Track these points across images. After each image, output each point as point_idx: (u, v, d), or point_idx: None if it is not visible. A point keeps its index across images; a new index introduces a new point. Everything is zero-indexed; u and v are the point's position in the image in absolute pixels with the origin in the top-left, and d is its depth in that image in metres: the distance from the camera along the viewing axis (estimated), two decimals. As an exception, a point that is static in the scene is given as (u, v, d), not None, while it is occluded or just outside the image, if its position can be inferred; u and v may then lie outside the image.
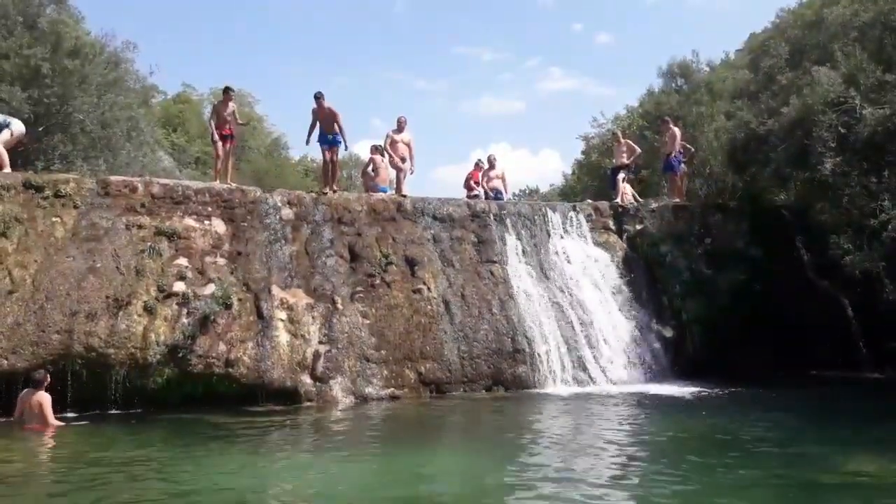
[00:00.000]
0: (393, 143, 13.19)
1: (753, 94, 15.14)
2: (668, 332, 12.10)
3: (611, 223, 13.86)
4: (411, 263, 11.50)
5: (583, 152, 27.62)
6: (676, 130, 14.89)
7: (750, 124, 13.40)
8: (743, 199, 13.87)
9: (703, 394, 10.64)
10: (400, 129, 13.35)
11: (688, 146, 15.34)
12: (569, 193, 25.53)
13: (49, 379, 8.31)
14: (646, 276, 13.10)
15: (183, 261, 10.15)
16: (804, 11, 15.62)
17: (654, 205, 14.13)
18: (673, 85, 22.26)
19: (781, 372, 11.62)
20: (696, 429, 8.13)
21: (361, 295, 10.86)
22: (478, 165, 14.82)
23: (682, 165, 15.10)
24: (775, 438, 7.46)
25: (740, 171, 13.93)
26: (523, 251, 12.69)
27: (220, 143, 12.15)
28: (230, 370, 9.59)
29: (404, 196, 12.51)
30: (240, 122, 13.16)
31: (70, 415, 8.65)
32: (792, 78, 13.27)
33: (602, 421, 8.83)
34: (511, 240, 12.68)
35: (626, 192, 15.17)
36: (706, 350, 12.21)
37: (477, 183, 14.49)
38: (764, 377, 11.02)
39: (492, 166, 14.80)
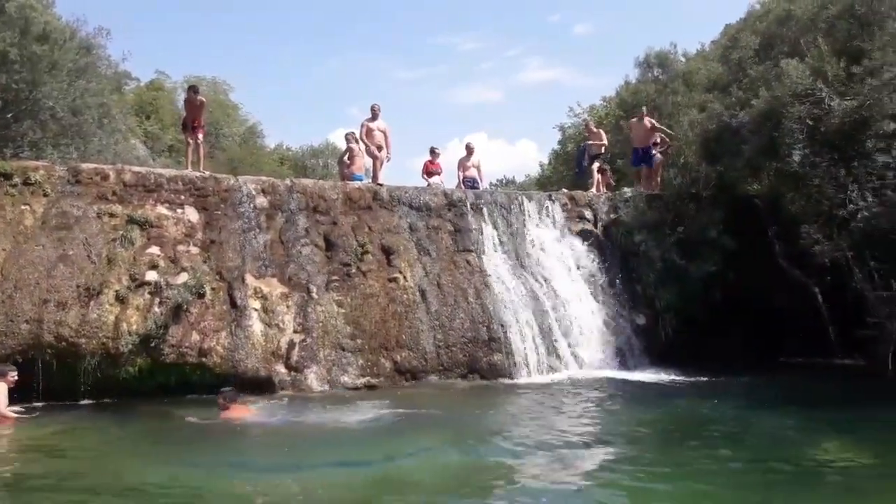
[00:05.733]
0: (368, 131, 13.14)
1: (725, 85, 15.27)
2: (642, 320, 12.24)
3: (586, 212, 13.95)
4: (387, 252, 11.50)
5: (559, 142, 27.79)
6: (647, 122, 14.99)
7: (722, 116, 13.51)
8: (716, 190, 14.00)
9: (675, 381, 10.81)
10: (374, 116, 13.29)
11: (669, 133, 15.44)
12: (545, 183, 25.63)
13: (14, 376, 8.13)
14: (620, 265, 13.23)
15: (155, 249, 10.06)
16: (774, 5, 15.77)
17: (628, 194, 14.26)
18: (650, 75, 22.35)
19: (753, 359, 11.80)
20: (668, 415, 8.26)
21: (337, 284, 10.85)
22: (432, 153, 14.71)
23: (658, 156, 15.24)
24: (746, 424, 7.62)
25: (713, 161, 14.05)
26: (499, 240, 12.74)
27: (191, 133, 12.13)
28: (203, 360, 9.56)
29: (380, 185, 12.49)
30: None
31: (39, 405, 8.56)
32: (762, 70, 13.39)
33: (575, 408, 8.93)
34: (487, 229, 12.72)
35: (601, 181, 15.32)
36: (679, 337, 12.37)
37: (430, 174, 14.35)
38: (736, 364, 11.19)
39: (468, 154, 14.76)
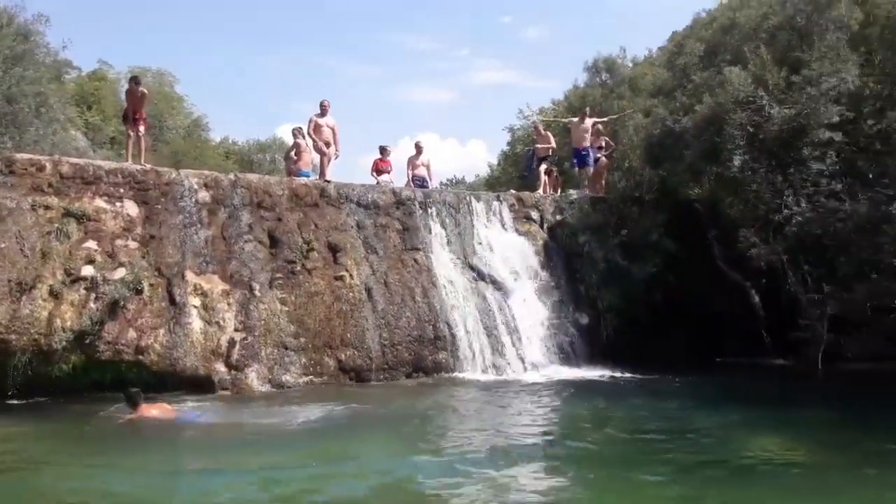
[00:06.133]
0: (317, 127, 12.98)
1: (670, 91, 15.62)
2: (585, 320, 12.43)
3: (533, 213, 14.08)
4: (334, 250, 11.40)
5: (508, 144, 27.98)
6: (588, 123, 15.16)
7: (666, 121, 13.83)
8: (658, 193, 14.30)
9: (617, 379, 11.01)
10: (324, 112, 13.14)
11: (609, 142, 15.73)
12: (494, 184, 25.79)
13: None
14: (564, 266, 13.40)
15: (92, 244, 9.77)
16: (719, 13, 16.20)
17: (573, 196, 14.46)
18: (598, 79, 22.72)
19: (692, 359, 12.09)
20: (608, 413, 8.41)
21: (281, 281, 10.70)
22: (382, 151, 14.65)
23: (603, 159, 15.47)
24: (683, 421, 7.81)
25: (656, 165, 14.35)
26: (447, 239, 12.76)
27: (132, 125, 11.83)
28: (140, 357, 9.34)
29: (328, 181, 12.37)
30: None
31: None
32: (706, 77, 13.74)
33: (517, 406, 9.03)
34: (436, 228, 12.72)
35: (548, 183, 15.48)
36: (620, 337, 12.59)
37: (379, 172, 14.28)
38: (675, 364, 11.44)
39: (418, 153, 14.74)
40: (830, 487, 5.25)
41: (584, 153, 15.13)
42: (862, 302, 11.40)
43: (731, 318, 13.00)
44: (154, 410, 7.79)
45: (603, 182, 15.56)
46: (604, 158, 15.48)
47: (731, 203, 12.95)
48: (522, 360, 11.79)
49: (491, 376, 11.26)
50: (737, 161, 12.13)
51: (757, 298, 13.17)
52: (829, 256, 12.00)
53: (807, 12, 13.16)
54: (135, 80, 12.43)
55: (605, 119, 16.00)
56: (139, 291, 9.52)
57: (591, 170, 15.18)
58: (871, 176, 12.11)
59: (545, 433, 7.15)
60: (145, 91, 12.33)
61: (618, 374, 11.31)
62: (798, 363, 12.51)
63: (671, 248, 13.02)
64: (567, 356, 12.25)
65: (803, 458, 6.28)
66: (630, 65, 22.46)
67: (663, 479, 5.37)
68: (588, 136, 15.05)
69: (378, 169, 14.33)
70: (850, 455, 6.23)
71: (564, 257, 13.49)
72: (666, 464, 5.81)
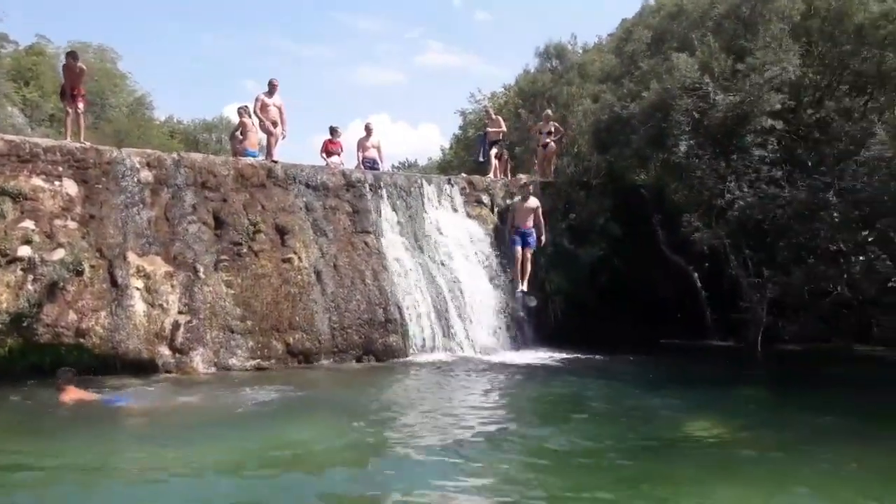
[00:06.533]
0: (264, 106, 12.70)
1: (618, 77, 15.81)
2: (533, 303, 12.56)
3: (483, 197, 14.11)
4: (281, 232, 11.23)
5: (460, 127, 28.02)
6: (532, 203, 12.36)
7: (614, 107, 14.00)
8: (606, 179, 14.52)
9: (563, 361, 11.17)
10: (272, 91, 12.85)
11: (559, 127, 15.85)
12: (446, 168, 25.83)
13: None
14: (514, 249, 13.47)
15: (29, 223, 9.42)
16: (666, 1, 16.43)
17: (524, 181, 14.53)
18: (548, 65, 22.86)
19: (637, 340, 12.35)
20: (553, 394, 8.52)
21: (227, 264, 10.51)
22: (332, 132, 14.45)
23: (552, 144, 15.59)
24: (628, 402, 7.96)
25: (604, 151, 14.55)
26: (398, 222, 12.70)
27: (70, 102, 11.43)
28: (81, 340, 9.07)
29: (275, 162, 12.16)
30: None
31: None
32: (653, 64, 13.94)
33: (466, 387, 9.08)
34: (386, 211, 12.64)
35: (499, 167, 15.53)
36: (568, 320, 12.77)
37: (329, 153, 14.10)
38: (621, 345, 11.66)
39: (368, 135, 14.57)
40: (770, 463, 5.42)
41: (527, 235, 12.31)
42: (799, 286, 11.82)
43: (673, 301, 13.32)
44: (79, 394, 7.57)
45: (552, 167, 15.69)
46: (553, 144, 15.60)
47: (676, 188, 13.23)
48: (472, 342, 11.86)
49: (441, 357, 11.29)
50: (682, 147, 12.37)
51: (700, 282, 13.51)
52: (769, 241, 12.40)
53: (751, 2, 13.44)
54: (72, 55, 11.99)
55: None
56: (79, 273, 9.24)
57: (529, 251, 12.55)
58: (809, 164, 12.53)
59: (492, 415, 7.21)
60: (83, 66, 11.92)
61: (565, 357, 11.48)
62: (738, 344, 12.92)
63: (617, 233, 13.25)
64: (516, 339, 12.37)
65: (740, 435, 6.47)
66: (580, 51, 22.65)
67: (606, 460, 5.47)
68: (531, 218, 12.34)
69: (328, 150, 14.12)
70: (788, 433, 6.46)
71: (514, 241, 13.56)
72: (609, 444, 5.90)
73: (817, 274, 11.77)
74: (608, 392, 8.51)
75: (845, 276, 11.70)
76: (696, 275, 13.43)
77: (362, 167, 13.80)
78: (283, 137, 12.95)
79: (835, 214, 11.42)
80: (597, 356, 11.29)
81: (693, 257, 13.17)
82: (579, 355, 11.43)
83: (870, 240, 11.28)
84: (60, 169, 10.07)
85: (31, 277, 9.01)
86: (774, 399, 8.65)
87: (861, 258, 11.41)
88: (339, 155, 14.19)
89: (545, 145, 15.47)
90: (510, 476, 5.04)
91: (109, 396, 7.79)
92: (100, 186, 10.19)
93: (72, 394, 7.49)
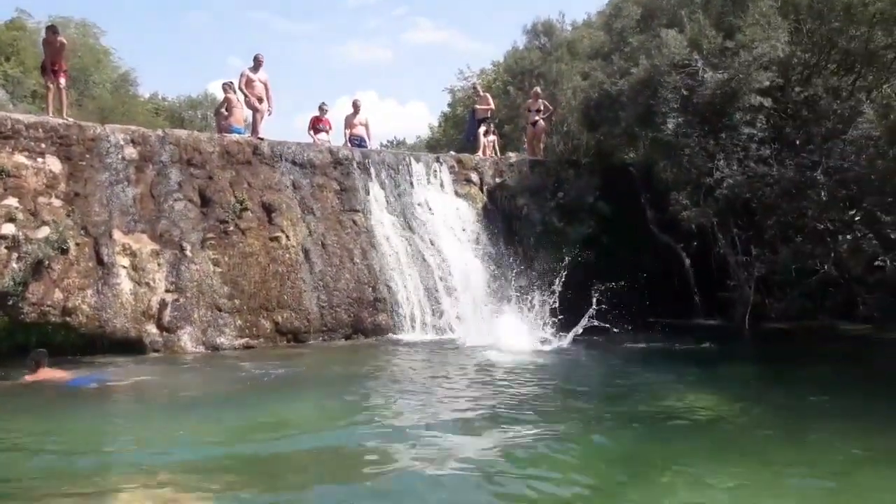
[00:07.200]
0: (249, 82, 12.52)
1: (607, 54, 15.69)
2: (522, 281, 12.53)
3: (472, 175, 14.05)
4: (269, 210, 11.16)
5: (449, 105, 27.85)
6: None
7: (603, 84, 13.91)
8: (595, 157, 14.50)
9: (550, 340, 11.17)
10: (257, 67, 12.67)
11: (548, 105, 15.77)
12: (434, 146, 25.69)
13: None
14: (503, 227, 13.47)
15: (12, 201, 9.31)
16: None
17: (513, 159, 14.50)
18: (536, 43, 22.67)
19: (625, 319, 12.38)
20: (543, 373, 8.53)
21: (213, 242, 10.43)
22: (321, 108, 14.29)
23: (541, 122, 15.53)
24: (618, 379, 7.98)
25: (593, 129, 14.50)
26: (387, 200, 12.64)
27: (51, 77, 11.22)
28: (68, 319, 9.02)
29: (261, 139, 12.03)
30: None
31: None
32: (642, 40, 13.83)
33: (456, 365, 9.07)
34: (375, 189, 12.57)
35: (488, 145, 15.46)
36: (557, 298, 12.76)
37: (317, 130, 13.92)
38: (609, 324, 11.68)
39: (356, 112, 14.42)
40: (758, 439, 5.46)
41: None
42: (786, 264, 11.87)
43: (661, 279, 13.35)
44: (53, 373, 7.50)
45: (541, 145, 15.64)
46: (542, 122, 15.53)
47: (665, 167, 13.18)
48: (461, 321, 11.85)
49: (430, 336, 11.30)
50: (671, 124, 12.30)
51: (688, 260, 13.55)
52: (757, 219, 12.42)
53: (740, -21, 13.32)
54: (52, 30, 11.74)
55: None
56: (65, 251, 9.15)
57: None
58: (797, 142, 12.52)
59: (482, 393, 7.21)
60: (64, 41, 11.68)
61: (552, 335, 11.48)
62: (726, 323, 12.98)
63: (606, 211, 13.24)
64: (504, 317, 12.37)
65: (727, 412, 6.51)
66: (569, 29, 22.48)
67: (599, 438, 5.48)
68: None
69: (315, 127, 13.96)
70: (775, 410, 6.50)
71: (503, 219, 13.56)
72: (601, 422, 5.92)
73: (804, 252, 11.83)
74: (598, 370, 8.56)
75: (832, 254, 11.76)
76: (684, 253, 13.47)
77: (349, 145, 13.69)
78: (269, 113, 12.83)
79: (822, 193, 11.45)
80: (585, 334, 11.29)
81: (681, 236, 13.19)
82: (567, 333, 11.42)
83: (856, 218, 11.34)
84: (43, 146, 9.93)
85: (15, 255, 8.93)
86: (762, 377, 8.70)
87: (848, 237, 11.47)
88: (327, 132, 14.04)
89: (534, 123, 15.40)
90: (500, 457, 5.02)
91: (79, 378, 7.67)
92: (84, 163, 10.06)
93: (40, 375, 7.40)
